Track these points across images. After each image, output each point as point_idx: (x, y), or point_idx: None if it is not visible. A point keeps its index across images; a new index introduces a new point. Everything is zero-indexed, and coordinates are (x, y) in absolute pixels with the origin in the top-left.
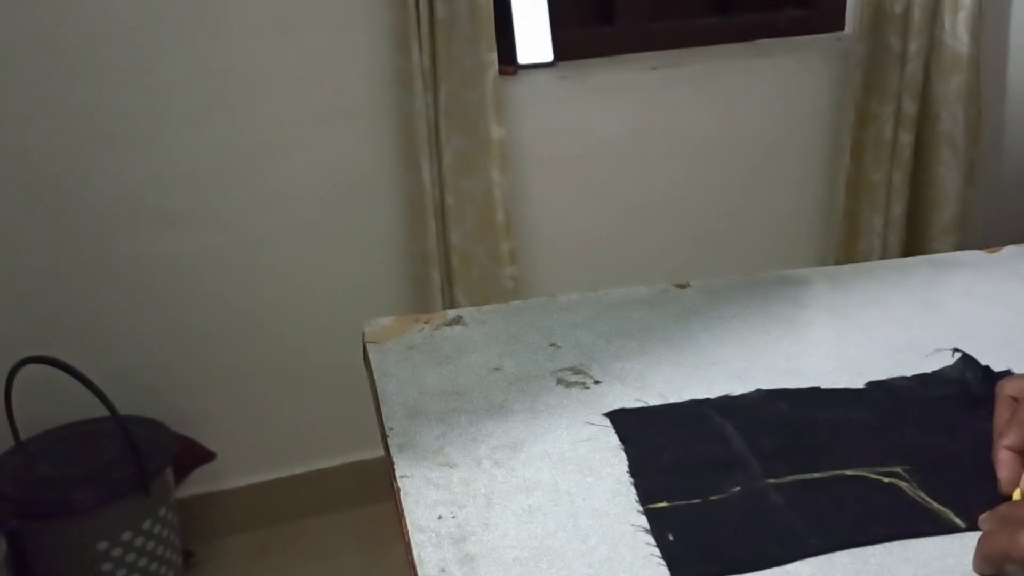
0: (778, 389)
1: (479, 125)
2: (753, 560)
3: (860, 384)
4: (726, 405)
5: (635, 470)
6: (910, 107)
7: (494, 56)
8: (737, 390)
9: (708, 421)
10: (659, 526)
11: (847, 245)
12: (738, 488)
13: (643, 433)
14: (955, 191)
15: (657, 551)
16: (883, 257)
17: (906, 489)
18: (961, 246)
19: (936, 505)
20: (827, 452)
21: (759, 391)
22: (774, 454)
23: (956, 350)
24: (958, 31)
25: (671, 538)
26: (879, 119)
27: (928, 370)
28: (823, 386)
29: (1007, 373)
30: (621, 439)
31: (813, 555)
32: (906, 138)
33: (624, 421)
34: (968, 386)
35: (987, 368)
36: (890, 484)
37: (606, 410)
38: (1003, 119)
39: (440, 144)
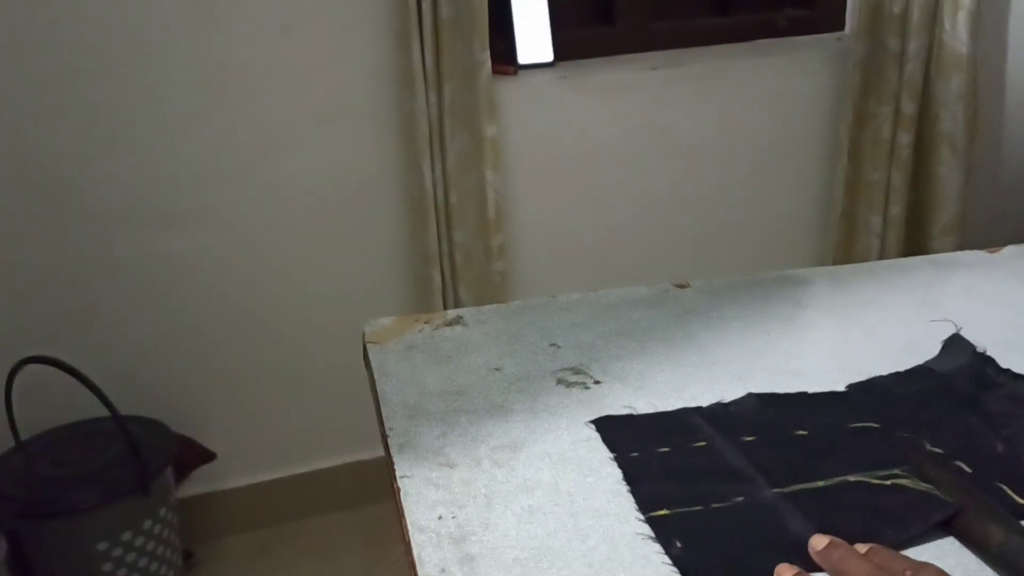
0: (768, 394)
1: (476, 124)
2: (769, 569)
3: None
4: (715, 414)
5: (628, 478)
6: (909, 107)
7: (487, 55)
8: (736, 391)
9: (696, 430)
10: (664, 534)
11: (846, 245)
12: (741, 498)
13: (631, 441)
14: (954, 191)
15: (666, 558)
16: (881, 257)
17: (908, 484)
18: (961, 246)
19: (942, 495)
20: (823, 459)
21: (750, 395)
22: (771, 463)
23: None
24: (958, 31)
25: (679, 545)
26: (877, 119)
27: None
28: (822, 386)
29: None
30: (609, 447)
31: None
32: (904, 138)
33: (611, 429)
34: (946, 378)
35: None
36: (892, 486)
37: (607, 410)
38: (1002, 119)
39: (444, 143)
